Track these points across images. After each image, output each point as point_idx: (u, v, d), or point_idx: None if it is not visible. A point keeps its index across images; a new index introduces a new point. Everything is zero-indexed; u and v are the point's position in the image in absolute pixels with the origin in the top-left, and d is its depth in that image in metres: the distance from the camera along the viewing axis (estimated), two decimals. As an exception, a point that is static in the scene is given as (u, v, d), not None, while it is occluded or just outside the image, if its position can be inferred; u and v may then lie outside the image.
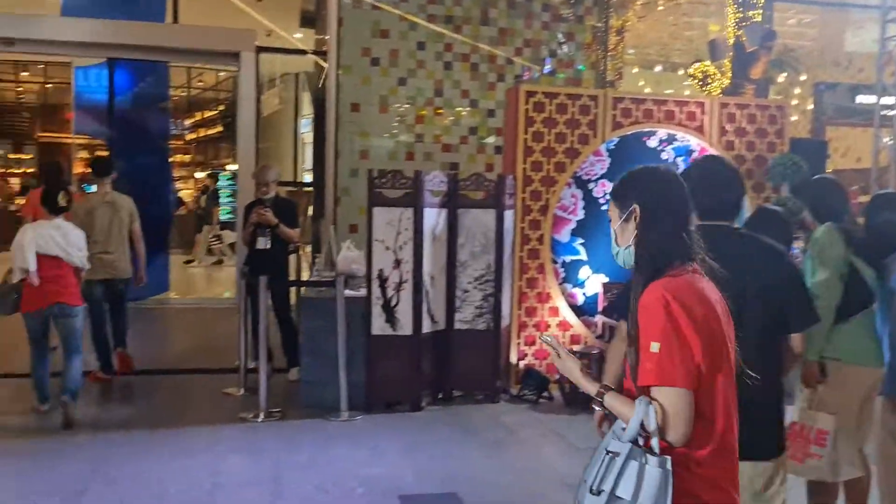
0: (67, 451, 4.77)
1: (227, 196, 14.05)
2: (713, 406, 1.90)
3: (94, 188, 6.63)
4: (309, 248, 9.90)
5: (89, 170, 7.15)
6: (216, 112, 17.34)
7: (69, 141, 17.10)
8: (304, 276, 7.57)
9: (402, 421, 5.56)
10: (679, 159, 6.54)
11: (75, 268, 5.43)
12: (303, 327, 5.88)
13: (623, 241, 2.07)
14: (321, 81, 9.89)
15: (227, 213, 13.87)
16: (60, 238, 5.34)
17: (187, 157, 18.14)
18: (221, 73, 16.15)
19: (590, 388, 2.04)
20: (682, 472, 1.85)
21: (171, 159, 10.26)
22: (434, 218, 5.88)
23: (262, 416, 5.49)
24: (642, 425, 1.86)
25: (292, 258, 7.27)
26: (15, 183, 17.29)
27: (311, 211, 10.28)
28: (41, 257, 5.25)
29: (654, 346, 1.87)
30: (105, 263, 6.21)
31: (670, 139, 6.53)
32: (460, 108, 8.72)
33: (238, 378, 6.17)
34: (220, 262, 13.87)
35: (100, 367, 6.36)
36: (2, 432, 5.10)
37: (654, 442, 1.84)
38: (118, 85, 9.57)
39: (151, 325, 8.66)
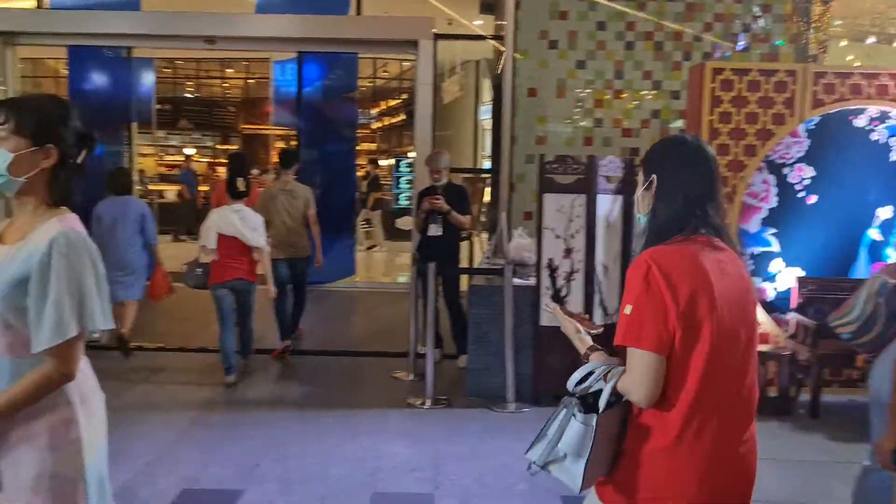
0: (246, 426, 4.99)
1: (406, 183, 14.36)
2: (683, 378, 1.87)
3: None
4: (485, 236, 9.83)
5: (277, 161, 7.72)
6: (399, 101, 17.79)
7: (268, 132, 18.27)
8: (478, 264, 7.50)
9: (570, 416, 5.32)
10: (893, 139, 5.76)
11: (253, 247, 5.90)
12: (471, 315, 5.79)
13: (643, 209, 2.09)
14: (500, 67, 9.80)
15: (405, 200, 14.18)
16: (238, 220, 5.85)
17: (373, 146, 18.82)
18: (405, 63, 16.52)
19: (581, 347, 2.11)
20: (640, 442, 1.91)
21: (356, 147, 10.56)
22: (608, 205, 5.57)
23: (428, 402, 5.47)
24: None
25: (468, 245, 7.23)
26: (222, 172, 18.71)
27: (487, 198, 10.21)
28: (222, 237, 5.83)
29: (628, 309, 1.90)
30: (287, 244, 6.69)
31: (882, 117, 5.76)
32: (642, 91, 8.26)
33: (407, 363, 6.21)
34: (372, 247, 14.24)
35: (280, 337, 6.80)
36: (191, 404, 5.44)
37: (603, 397, 1.90)
38: (309, 77, 9.99)
39: (331, 308, 8.96)
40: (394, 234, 14.17)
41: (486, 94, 14.15)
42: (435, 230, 6.40)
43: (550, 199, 5.49)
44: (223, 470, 4.29)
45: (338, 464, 4.41)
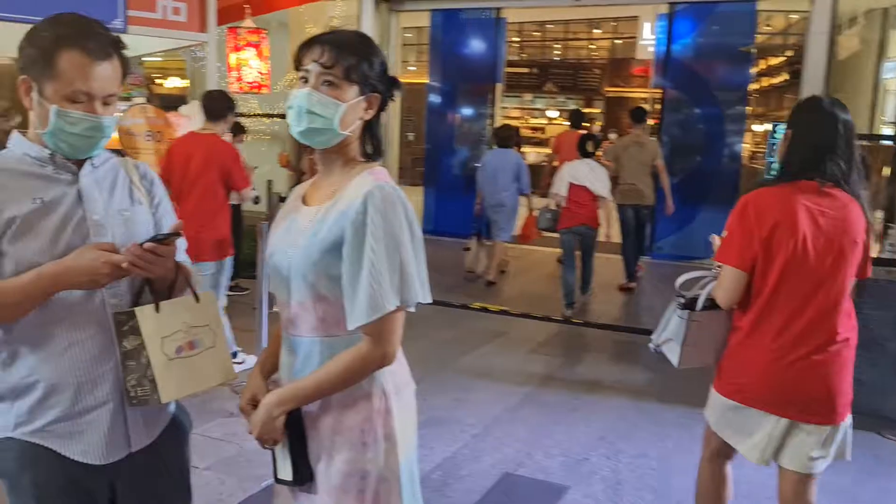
0: (579, 410, 4.56)
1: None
2: (760, 289, 2.37)
3: (633, 131, 7.75)
4: (880, 216, 8.22)
5: (630, 117, 8.08)
6: (783, 59, 15.75)
7: (633, 94, 17.54)
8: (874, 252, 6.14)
9: None
10: None
11: (598, 197, 6.55)
12: (861, 313, 4.62)
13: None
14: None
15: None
16: (588, 172, 6.51)
17: (748, 109, 16.99)
18: (792, 16, 14.54)
19: None
20: (745, 321, 2.45)
21: (743, 110, 9.16)
22: None
23: (795, 414, 4.52)
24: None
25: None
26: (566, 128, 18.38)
27: (886, 171, 8.51)
28: (573, 186, 6.48)
29: (724, 234, 2.46)
30: (632, 191, 7.37)
31: None
32: None
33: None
34: None
35: (626, 277, 7.66)
36: (525, 376, 5.15)
37: (700, 300, 2.48)
38: (681, 34, 9.06)
39: None
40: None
41: (893, 48, 12.11)
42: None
43: None
44: (548, 459, 3.90)
45: (678, 473, 3.76)
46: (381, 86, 1.70)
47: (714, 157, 8.96)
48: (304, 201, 1.77)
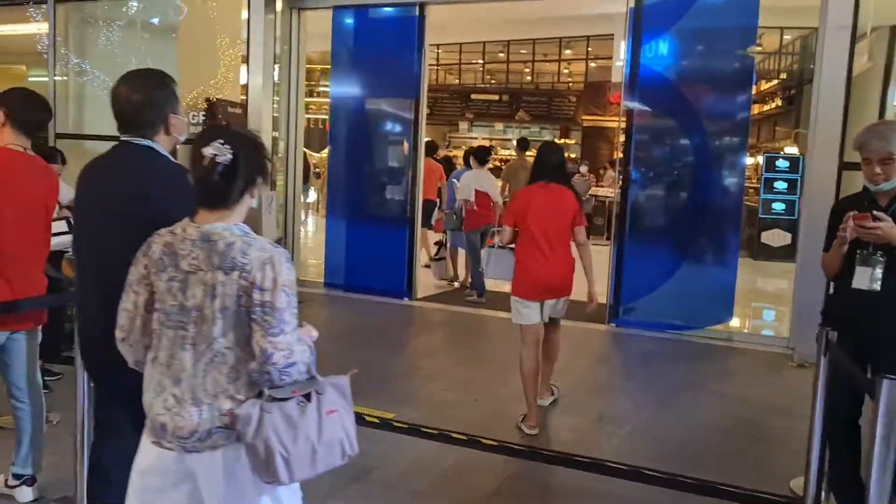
0: None
1: (783, 187, 10.49)
2: (522, 236, 4.43)
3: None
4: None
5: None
6: (776, 83, 13.67)
7: (610, 123, 15.42)
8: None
9: None
10: None
11: (494, 202, 7.60)
12: None
13: None
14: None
15: (781, 207, 10.34)
16: (487, 181, 7.52)
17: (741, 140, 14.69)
18: (786, 36, 12.51)
19: None
20: (517, 254, 4.50)
21: (742, 140, 6.75)
22: None
23: None
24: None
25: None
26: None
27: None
28: (478, 193, 7.42)
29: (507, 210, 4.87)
30: None
31: None
32: None
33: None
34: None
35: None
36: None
37: (497, 242, 4.66)
38: (659, 43, 6.81)
39: (649, 376, 5.68)
40: (758, 250, 10.49)
41: (905, 70, 10.16)
42: (867, 279, 3.07)
43: None
44: None
45: None
46: None
47: (702, 196, 6.69)
48: None
